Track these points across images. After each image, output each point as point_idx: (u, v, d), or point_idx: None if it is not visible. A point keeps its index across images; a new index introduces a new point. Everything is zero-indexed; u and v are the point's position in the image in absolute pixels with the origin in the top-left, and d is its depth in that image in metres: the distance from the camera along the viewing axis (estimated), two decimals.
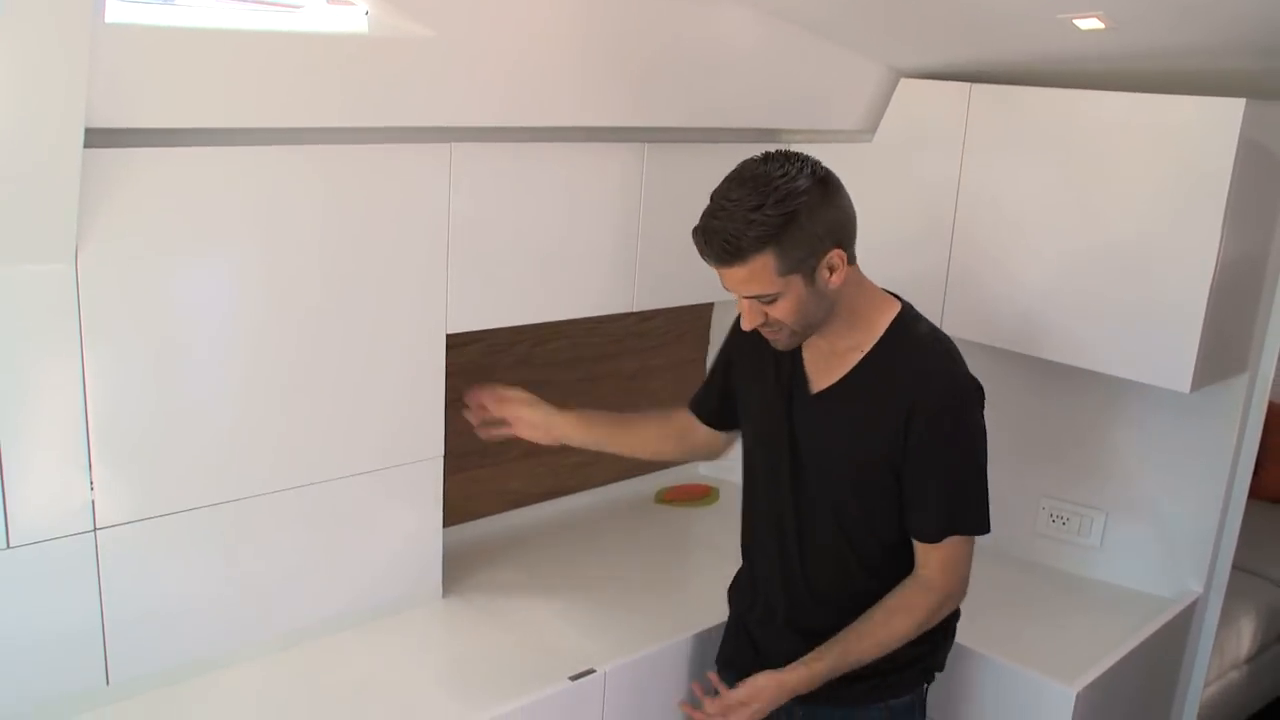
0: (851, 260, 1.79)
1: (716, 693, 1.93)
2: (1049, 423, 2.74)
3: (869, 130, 2.62)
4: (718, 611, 2.23)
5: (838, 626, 1.88)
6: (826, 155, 2.62)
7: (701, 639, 2.26)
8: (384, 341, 2.06)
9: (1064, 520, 2.74)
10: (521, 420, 2.15)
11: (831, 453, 1.88)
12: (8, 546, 1.65)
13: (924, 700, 2.03)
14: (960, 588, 1.90)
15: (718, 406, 2.14)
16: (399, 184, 1.99)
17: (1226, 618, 2.85)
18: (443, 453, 2.21)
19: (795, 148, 2.63)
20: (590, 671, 2.05)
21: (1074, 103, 2.33)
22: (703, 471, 3.16)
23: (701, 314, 3.02)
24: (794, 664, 1.87)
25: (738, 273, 1.73)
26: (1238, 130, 2.11)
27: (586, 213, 2.32)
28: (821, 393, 1.88)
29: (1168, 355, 2.27)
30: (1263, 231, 2.38)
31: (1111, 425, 2.65)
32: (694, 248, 2.31)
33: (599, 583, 2.48)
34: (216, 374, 1.84)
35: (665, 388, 3.00)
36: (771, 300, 1.75)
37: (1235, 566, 2.74)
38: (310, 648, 2.07)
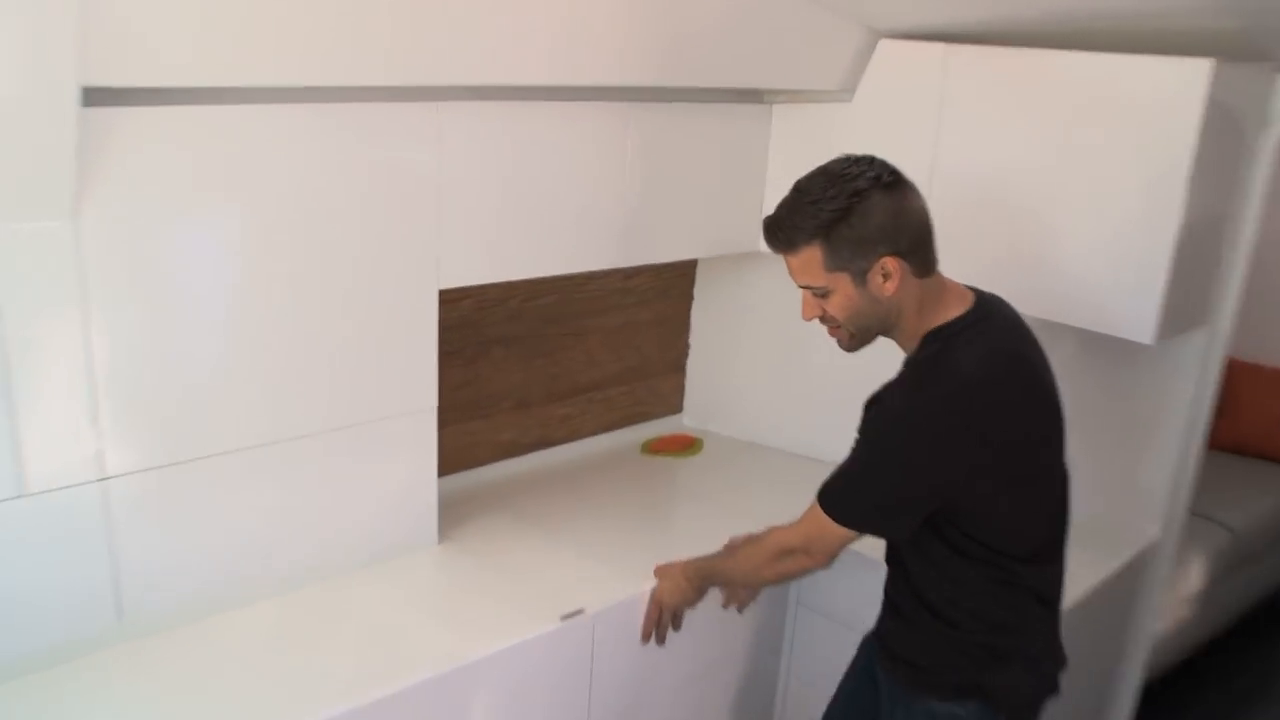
0: (920, 272, 1.77)
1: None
2: None
3: (849, 90, 2.60)
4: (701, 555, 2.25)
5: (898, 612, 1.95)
6: (806, 116, 2.66)
7: None
8: (378, 297, 2.04)
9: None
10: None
11: None
12: (22, 495, 1.65)
13: None
14: (812, 546, 1.88)
15: None
16: (390, 142, 1.97)
17: (1179, 559, 2.90)
18: (436, 405, 2.20)
19: (777, 108, 2.66)
20: (579, 612, 2.07)
21: (1048, 63, 2.32)
22: (687, 423, 3.18)
23: (686, 271, 3.02)
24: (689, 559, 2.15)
25: (791, 262, 1.78)
26: (1205, 91, 2.11)
27: (574, 171, 2.30)
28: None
29: (1133, 308, 2.29)
30: (1225, 191, 2.39)
31: (1079, 376, 2.64)
32: (679, 206, 2.33)
33: (588, 529, 2.49)
34: (216, 327, 1.83)
35: (650, 342, 3.01)
36: (823, 295, 1.78)
37: (1189, 511, 2.79)
38: (313, 590, 2.08)
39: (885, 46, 2.55)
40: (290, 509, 2.03)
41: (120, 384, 1.72)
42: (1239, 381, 4.31)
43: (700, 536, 2.29)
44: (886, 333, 1.83)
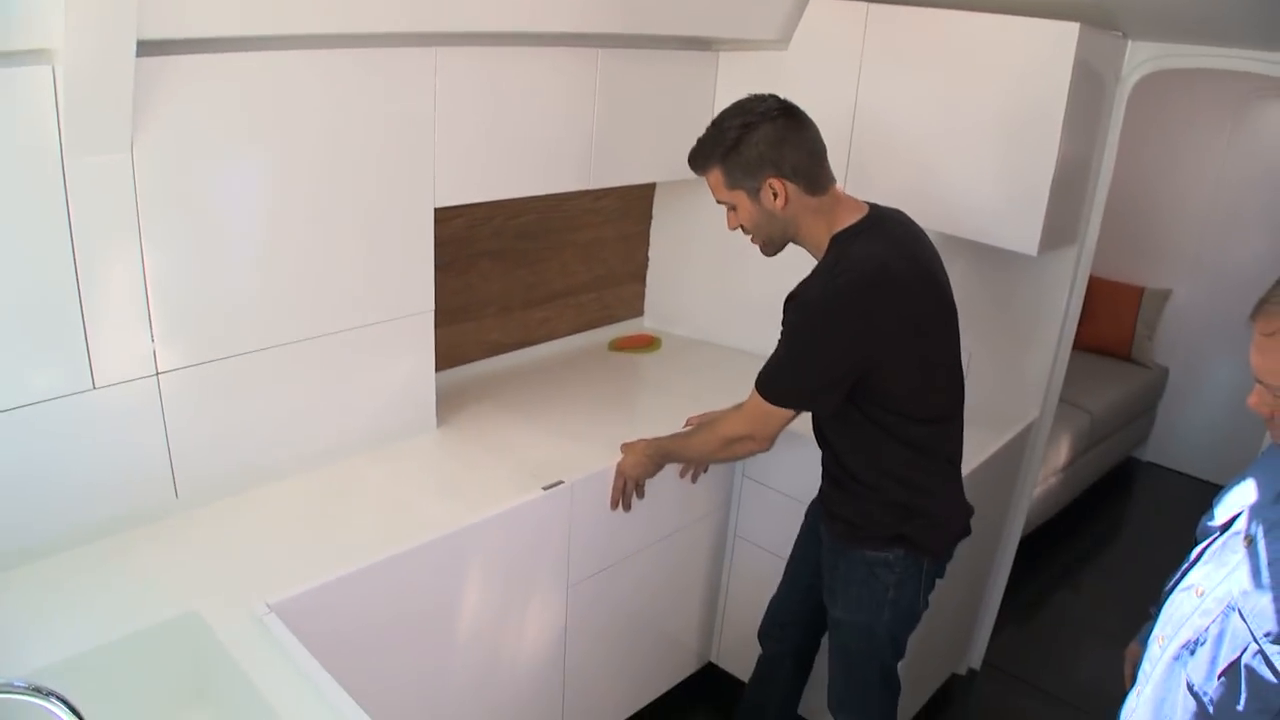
0: (811, 190, 1.83)
1: None
2: None
3: (784, 40, 2.60)
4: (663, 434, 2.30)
5: (834, 482, 2.02)
6: (747, 62, 2.66)
7: None
8: (383, 216, 2.03)
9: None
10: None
11: None
12: (94, 388, 1.66)
13: (916, 575, 2.00)
14: (750, 430, 1.93)
15: None
16: (394, 82, 1.95)
17: (1050, 436, 3.02)
18: (433, 308, 2.20)
19: (723, 55, 2.66)
20: (559, 483, 2.11)
21: (948, 21, 2.34)
22: (647, 324, 3.19)
23: (645, 193, 3.01)
24: (650, 438, 2.19)
25: (707, 182, 1.87)
26: (1074, 49, 2.16)
27: (550, 106, 2.28)
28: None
29: (1020, 226, 2.35)
30: (1089, 133, 2.45)
31: (976, 284, 2.72)
32: (639, 137, 2.35)
33: (565, 414, 2.51)
34: (247, 246, 1.83)
35: (615, 255, 3.01)
36: (733, 209, 1.87)
37: (1060, 399, 2.91)
38: (334, 467, 2.10)
39: (816, 3, 2.55)
40: (312, 399, 2.04)
41: (168, 294, 1.72)
42: (1095, 293, 4.45)
43: (659, 418, 2.36)
44: (793, 241, 1.90)
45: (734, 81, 2.66)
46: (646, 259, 3.14)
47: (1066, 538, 4.01)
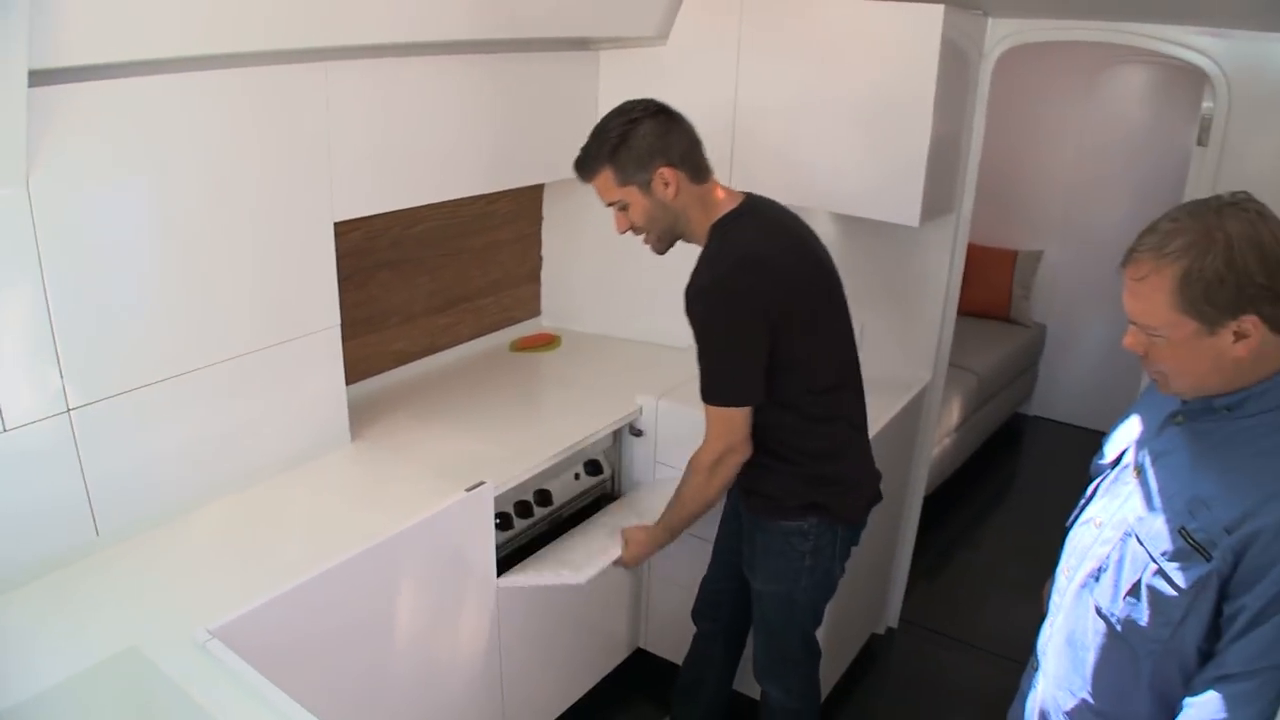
0: (695, 178, 1.94)
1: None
2: None
3: (662, 36, 2.70)
4: (567, 433, 2.42)
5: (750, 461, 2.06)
6: (628, 59, 2.76)
7: (562, 452, 2.42)
8: (284, 234, 2.06)
9: None
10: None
11: None
12: (4, 430, 1.65)
13: (831, 542, 2.11)
14: (727, 443, 1.98)
15: None
16: (286, 99, 1.98)
17: (942, 398, 3.21)
18: (339, 322, 2.23)
19: (604, 54, 2.75)
20: (481, 483, 2.16)
21: (821, 8, 2.48)
22: (545, 323, 3.26)
23: (535, 194, 3.08)
24: (652, 526, 2.22)
25: (596, 187, 1.95)
26: (940, 29, 2.33)
27: (440, 114, 2.34)
28: None
29: (902, 201, 2.51)
30: (959, 105, 2.63)
31: (865, 258, 2.89)
32: (527, 139, 2.42)
33: (476, 417, 2.56)
34: (151, 274, 1.83)
35: (511, 257, 3.07)
36: (624, 208, 1.95)
37: (949, 362, 3.09)
38: (254, 490, 2.11)
39: None
40: (227, 423, 2.05)
41: (73, 328, 1.72)
42: (971, 259, 4.69)
43: (566, 415, 2.46)
44: (682, 234, 2.00)
45: (616, 79, 2.78)
46: (540, 259, 3.21)
47: (965, 495, 4.25)
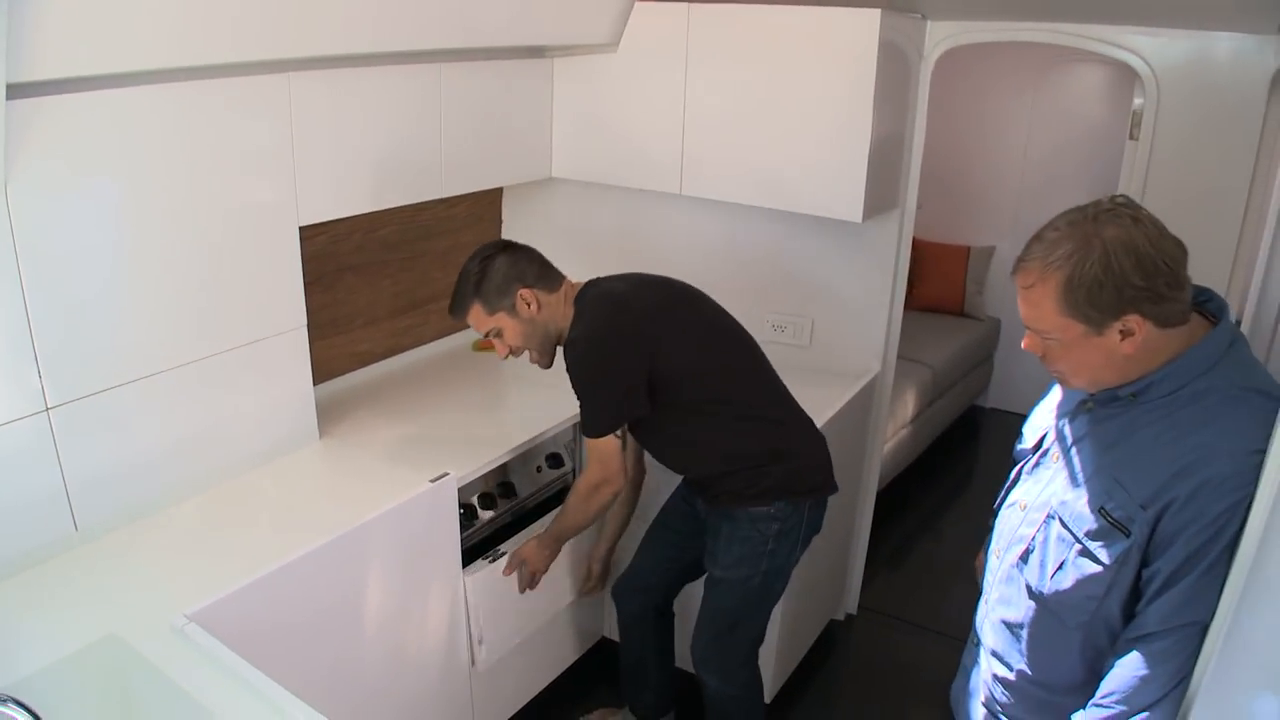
0: (550, 288, 2.20)
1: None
2: (768, 257, 3.06)
3: (613, 44, 2.82)
4: (528, 427, 2.55)
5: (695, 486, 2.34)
6: (580, 66, 2.88)
7: (523, 445, 2.53)
8: (252, 238, 2.15)
9: (783, 328, 3.11)
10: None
11: None
12: None
13: (797, 524, 2.26)
14: (603, 475, 2.23)
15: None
16: (251, 109, 2.07)
17: (896, 391, 3.32)
18: (306, 323, 2.32)
19: (557, 61, 2.86)
20: (445, 474, 2.27)
21: (763, 15, 2.60)
22: None
23: (494, 197, 3.18)
24: (543, 533, 2.43)
25: (470, 323, 2.21)
26: (877, 33, 2.45)
27: (400, 121, 2.44)
28: None
29: (845, 198, 2.62)
30: (900, 105, 2.76)
31: (811, 254, 3.01)
32: (485, 144, 2.55)
33: (440, 414, 2.67)
34: (125, 277, 1.92)
35: None
36: (499, 335, 2.20)
37: (901, 356, 3.20)
38: (226, 485, 2.20)
39: (640, 7, 2.78)
40: (200, 420, 2.14)
41: (51, 330, 1.80)
42: (925, 257, 4.88)
43: (525, 411, 2.59)
44: (556, 339, 2.25)
45: (569, 84, 2.89)
46: None
47: (924, 486, 4.39)
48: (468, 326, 2.28)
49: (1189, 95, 2.54)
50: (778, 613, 2.69)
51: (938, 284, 4.98)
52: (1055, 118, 4.76)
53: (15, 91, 1.60)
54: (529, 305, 2.17)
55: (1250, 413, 1.35)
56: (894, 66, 2.63)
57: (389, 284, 2.88)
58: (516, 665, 2.68)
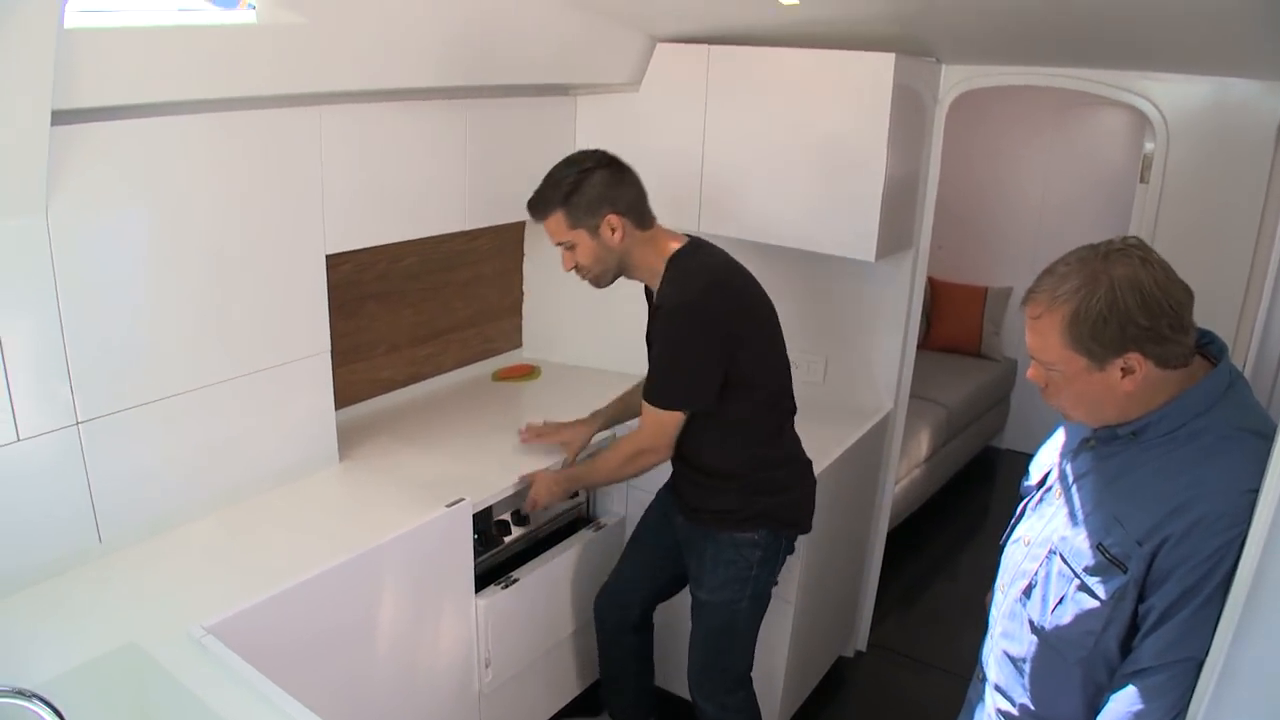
0: (640, 225, 2.15)
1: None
2: (786, 294, 2.97)
3: (635, 83, 2.89)
4: (545, 456, 2.56)
5: (697, 481, 2.30)
6: (603, 104, 2.94)
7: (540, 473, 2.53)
8: (280, 265, 2.21)
9: (797, 365, 3.07)
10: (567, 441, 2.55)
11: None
12: (18, 439, 1.79)
13: (777, 551, 2.31)
14: (652, 443, 2.21)
15: None
16: (283, 141, 2.14)
17: (910, 430, 3.33)
18: (329, 349, 2.38)
19: (581, 99, 2.93)
20: (461, 500, 2.30)
21: (781, 58, 2.66)
22: (526, 354, 3.40)
23: (516, 231, 3.22)
24: (565, 470, 2.41)
25: (546, 227, 2.16)
26: (892, 76, 2.50)
27: (426, 156, 2.50)
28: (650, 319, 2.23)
29: (859, 237, 2.66)
30: (915, 146, 2.81)
31: (824, 292, 3.06)
32: (508, 178, 2.61)
33: (458, 441, 2.70)
34: (155, 297, 1.98)
35: (492, 291, 3.21)
36: (571, 248, 2.15)
37: (916, 396, 3.22)
38: (247, 503, 2.25)
39: (662, 48, 2.85)
40: (221, 440, 2.19)
41: (84, 346, 1.86)
42: (942, 297, 4.91)
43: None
44: (625, 272, 2.22)
45: (592, 122, 2.95)
46: (522, 293, 3.36)
47: (937, 525, 4.38)
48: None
49: (1199, 140, 2.57)
50: (785, 648, 2.71)
51: (955, 324, 5.00)
52: (1072, 160, 4.79)
53: (60, 118, 1.67)
54: (613, 232, 2.12)
55: (1244, 452, 1.37)
56: (909, 109, 2.68)
57: (410, 313, 2.92)
58: (526, 689, 2.70)
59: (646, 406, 2.17)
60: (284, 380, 2.30)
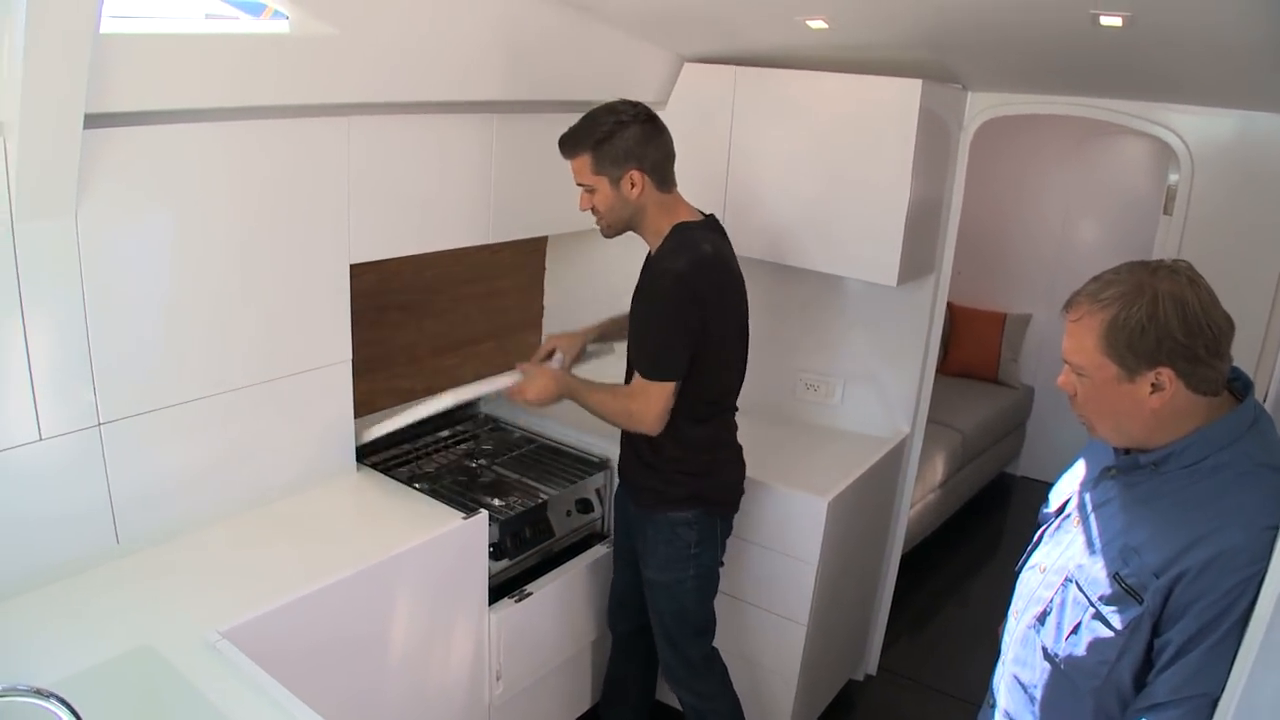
0: (660, 186, 2.19)
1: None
2: (803, 315, 3.11)
3: (662, 102, 2.89)
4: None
5: (639, 459, 2.35)
6: None
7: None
8: (305, 273, 2.22)
9: (815, 387, 3.14)
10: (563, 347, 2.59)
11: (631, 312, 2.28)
12: (40, 439, 1.80)
13: (713, 531, 2.38)
14: (643, 413, 2.21)
15: None
16: (311, 150, 2.15)
17: (925, 455, 3.31)
18: (351, 357, 2.38)
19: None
20: (478, 511, 2.31)
21: (807, 81, 2.66)
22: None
23: (539, 245, 3.24)
24: (563, 374, 2.40)
25: (572, 165, 2.19)
26: (918, 102, 2.50)
27: (452, 169, 2.50)
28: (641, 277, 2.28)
29: (881, 262, 2.65)
30: (939, 172, 2.80)
31: (844, 315, 3.05)
32: (532, 194, 2.63)
33: None
34: (180, 301, 1.99)
35: (514, 305, 3.22)
36: (591, 191, 2.19)
37: (932, 420, 3.20)
38: (266, 508, 2.25)
39: (689, 68, 2.87)
40: (241, 445, 2.19)
41: (109, 348, 1.87)
42: (961, 322, 4.89)
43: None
44: (634, 227, 2.26)
45: None
46: (542, 307, 3.37)
47: (950, 551, 4.36)
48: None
49: (1223, 173, 2.56)
50: (796, 670, 2.70)
51: (972, 349, 4.97)
52: (1094, 189, 4.77)
53: (92, 121, 1.68)
54: (633, 187, 2.16)
55: (1266, 488, 1.36)
56: (934, 135, 2.67)
57: (432, 324, 2.93)
58: (537, 703, 2.69)
59: (644, 382, 2.20)
60: (305, 388, 2.30)
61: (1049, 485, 1.76)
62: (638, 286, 2.28)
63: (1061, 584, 1.52)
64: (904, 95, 2.52)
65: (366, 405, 2.74)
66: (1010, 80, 2.72)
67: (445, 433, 2.95)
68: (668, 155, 2.21)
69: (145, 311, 1.94)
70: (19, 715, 1.29)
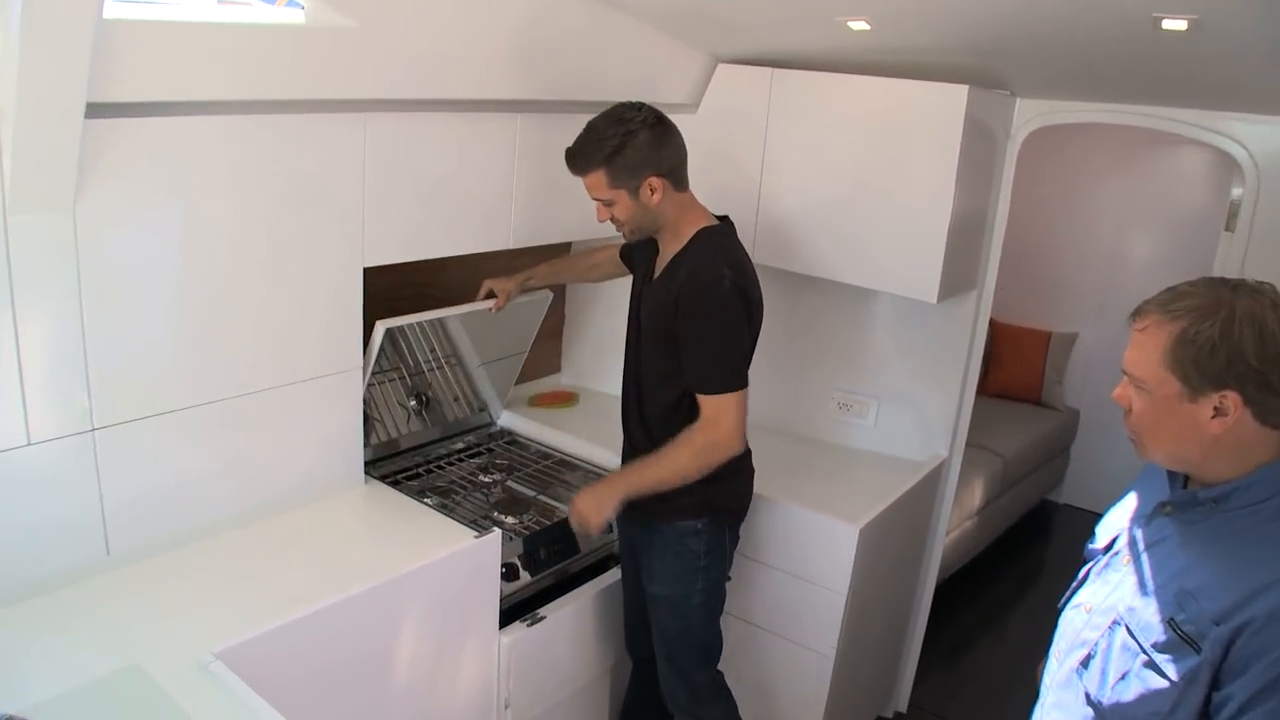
0: (678, 187, 2.16)
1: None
2: (838, 332, 3.03)
3: (694, 104, 2.84)
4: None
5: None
6: None
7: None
8: (315, 276, 2.18)
9: (849, 407, 3.06)
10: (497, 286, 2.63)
11: (649, 324, 2.23)
12: (29, 443, 1.75)
13: (722, 541, 2.32)
14: (723, 435, 2.12)
15: (628, 262, 2.50)
16: (326, 147, 2.11)
17: (963, 480, 3.23)
18: (361, 365, 2.33)
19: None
20: (491, 530, 2.25)
21: (848, 84, 2.60)
22: (564, 381, 3.35)
23: (560, 253, 3.15)
24: (610, 476, 2.30)
25: (585, 182, 2.15)
26: (964, 109, 2.43)
27: (472, 170, 2.46)
28: (653, 280, 2.24)
29: (921, 277, 2.58)
30: (984, 182, 2.73)
31: (882, 332, 2.98)
32: (556, 198, 2.58)
33: None
34: (182, 303, 1.95)
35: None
36: (610, 204, 2.15)
37: (970, 443, 3.12)
38: (268, 521, 2.20)
39: (723, 69, 2.81)
40: (243, 454, 2.15)
41: (104, 350, 1.83)
42: (1003, 340, 4.79)
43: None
44: (655, 232, 2.23)
45: None
46: (563, 318, 3.32)
47: (987, 581, 4.25)
48: None
49: None
50: (823, 704, 2.62)
51: (1015, 369, 4.87)
52: (1148, 202, 4.65)
53: (95, 111, 1.64)
54: (653, 193, 2.13)
55: None
56: (979, 143, 2.60)
57: None
58: None
59: (705, 399, 2.12)
60: (312, 395, 2.26)
61: (1093, 514, 1.67)
62: (662, 288, 2.20)
63: (1109, 627, 1.44)
64: (949, 101, 2.45)
65: None
66: (1061, 87, 2.64)
67: (459, 445, 2.90)
68: (682, 155, 2.18)
69: (144, 312, 1.90)
70: None
